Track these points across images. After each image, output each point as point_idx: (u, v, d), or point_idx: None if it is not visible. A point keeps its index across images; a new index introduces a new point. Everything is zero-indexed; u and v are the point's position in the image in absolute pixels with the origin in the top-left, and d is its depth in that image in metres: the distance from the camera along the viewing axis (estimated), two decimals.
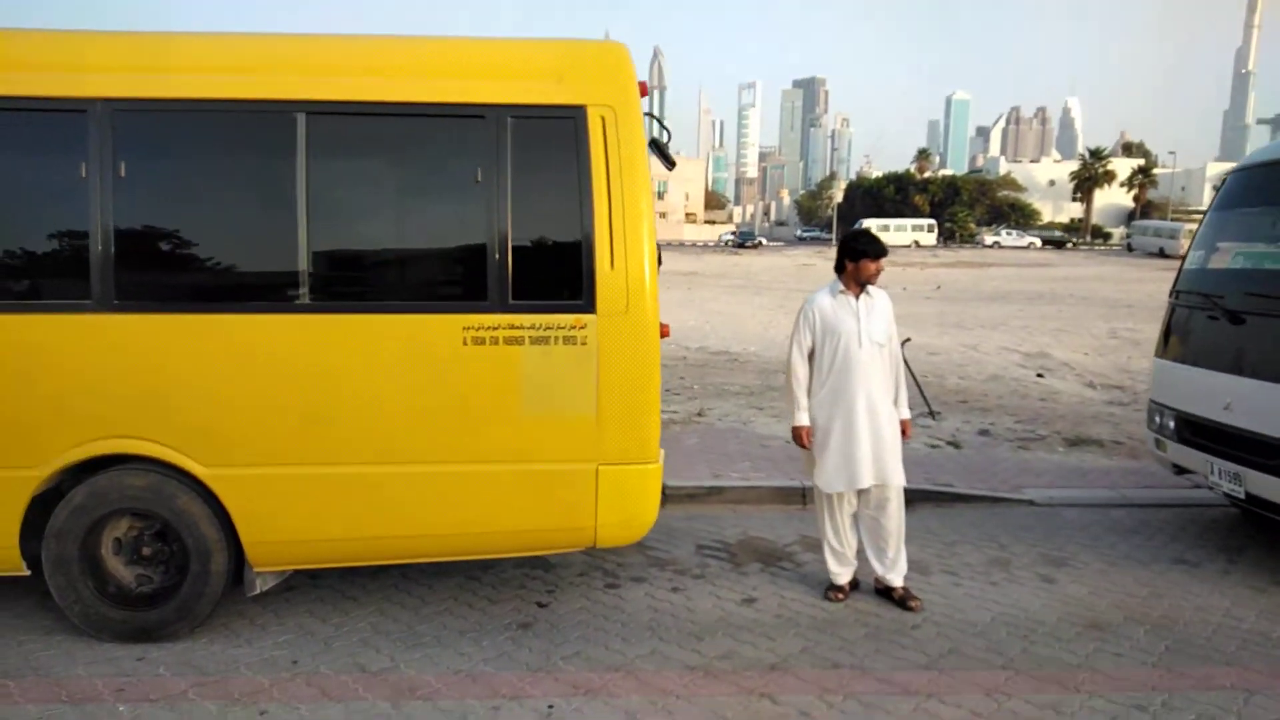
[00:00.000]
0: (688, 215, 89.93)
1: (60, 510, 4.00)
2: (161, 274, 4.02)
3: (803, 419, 4.70)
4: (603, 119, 4.02)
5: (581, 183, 4.01)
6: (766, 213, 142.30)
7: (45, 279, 3.99)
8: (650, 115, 4.76)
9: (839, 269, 4.70)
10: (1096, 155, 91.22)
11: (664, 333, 4.33)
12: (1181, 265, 6.17)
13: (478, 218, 4.02)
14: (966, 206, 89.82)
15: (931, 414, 9.15)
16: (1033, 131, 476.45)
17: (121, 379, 3.92)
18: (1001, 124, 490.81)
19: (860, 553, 4.85)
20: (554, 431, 4.10)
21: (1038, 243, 73.33)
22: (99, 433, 3.93)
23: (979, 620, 4.55)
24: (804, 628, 4.44)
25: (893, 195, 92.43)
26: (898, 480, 4.64)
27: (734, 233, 79.78)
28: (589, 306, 4.03)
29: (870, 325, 4.62)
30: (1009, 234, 76.38)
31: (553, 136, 4.05)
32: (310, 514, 4.06)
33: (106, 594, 4.09)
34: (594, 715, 3.61)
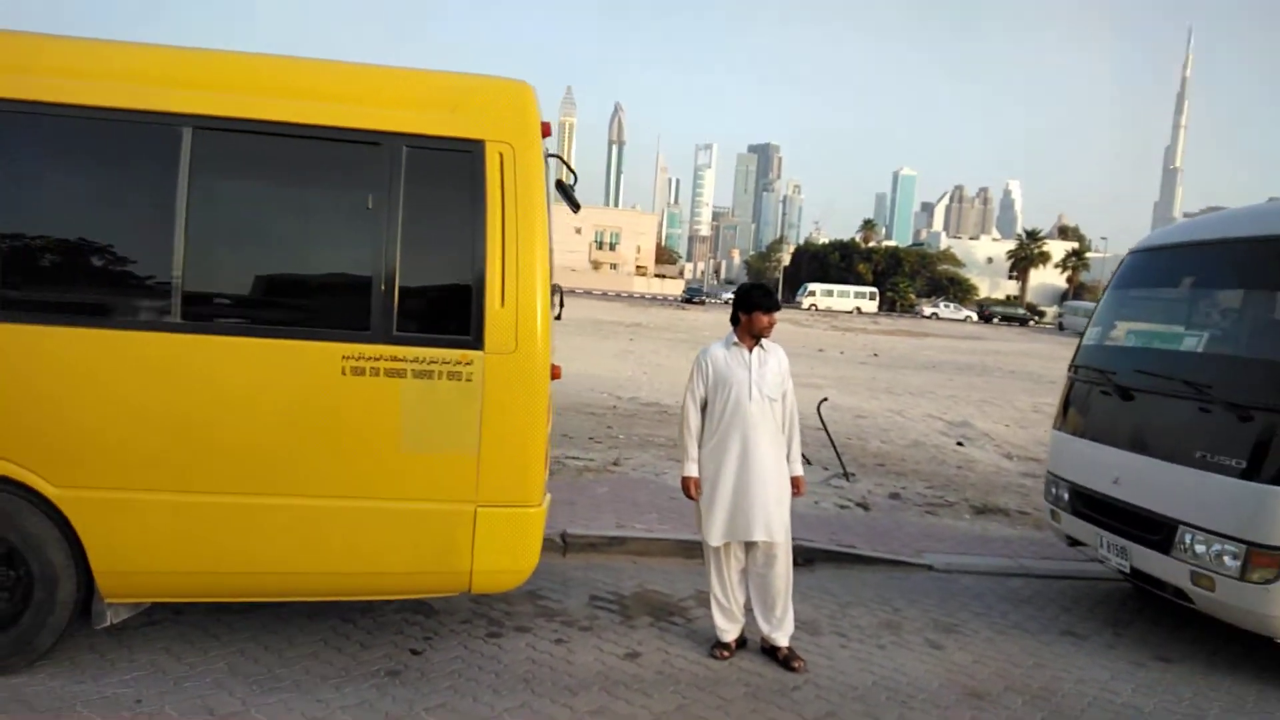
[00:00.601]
0: (638, 268, 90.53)
1: None
2: (20, 283, 3.83)
3: (691, 469, 4.66)
4: (501, 155, 3.99)
5: (475, 218, 3.96)
6: (717, 271, 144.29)
7: None
8: (557, 156, 4.76)
9: (734, 320, 4.72)
10: (1033, 236, 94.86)
11: (555, 374, 4.27)
12: (1080, 341, 6.33)
13: (365, 246, 3.94)
14: (908, 277, 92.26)
15: (846, 475, 9.19)
16: (974, 210, 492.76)
17: None
18: (945, 201, 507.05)
19: (749, 610, 4.78)
20: (433, 469, 3.98)
21: (974, 316, 75.37)
22: None
23: (860, 684, 4.49)
24: (683, 685, 4.34)
25: (838, 261, 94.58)
26: (783, 537, 4.60)
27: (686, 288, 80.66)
28: (476, 343, 3.96)
29: (762, 378, 4.62)
30: (947, 306, 78.49)
31: (449, 169, 4.00)
32: (168, 544, 3.86)
33: None
34: None
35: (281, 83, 4.01)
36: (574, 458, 8.98)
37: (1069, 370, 6.26)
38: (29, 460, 3.75)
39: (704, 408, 4.72)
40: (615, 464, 8.86)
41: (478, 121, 4.02)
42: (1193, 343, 5.53)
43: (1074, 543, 5.94)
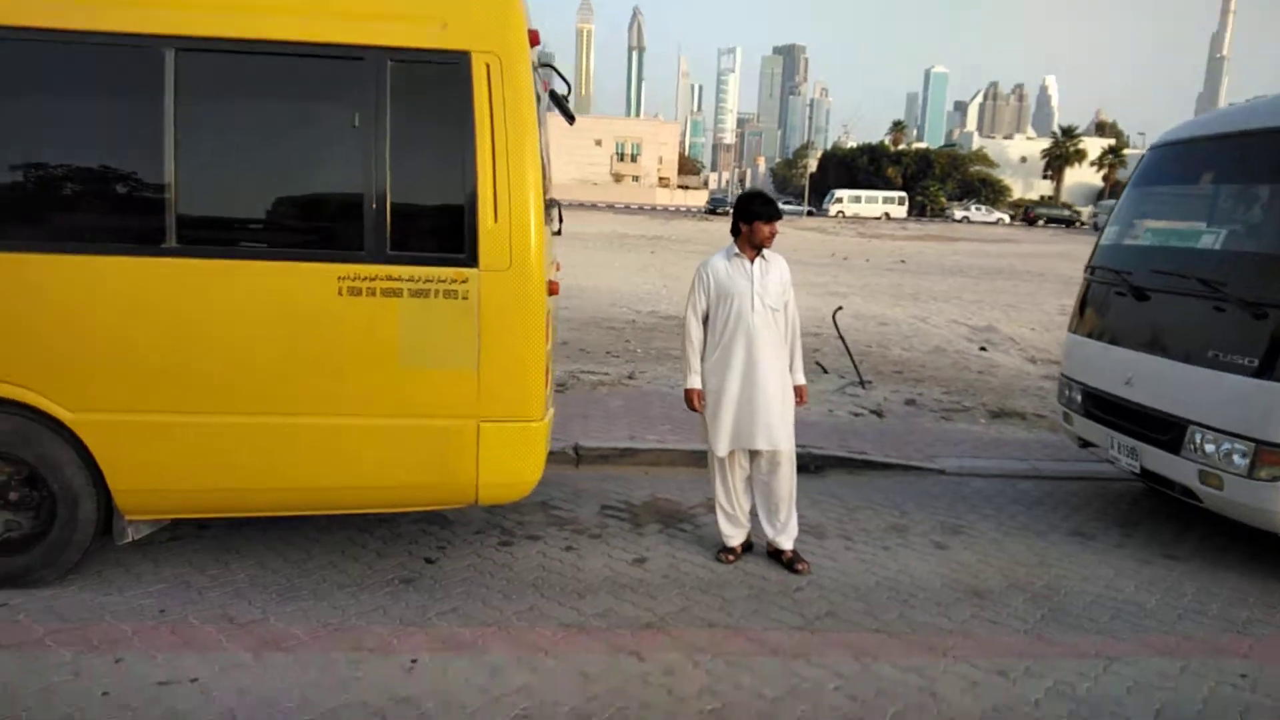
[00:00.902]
0: (661, 179, 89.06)
1: None
2: (22, 212, 3.87)
3: (694, 382, 4.68)
4: (488, 67, 3.91)
5: (464, 132, 3.91)
6: (742, 180, 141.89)
7: None
8: (549, 66, 4.67)
9: (734, 232, 4.66)
10: (1068, 134, 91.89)
11: (553, 290, 4.27)
12: (1098, 240, 6.19)
13: (355, 165, 3.91)
14: (939, 180, 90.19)
15: (862, 383, 9.18)
16: (1009, 108, 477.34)
17: None
18: (979, 99, 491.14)
19: (755, 515, 4.87)
20: (434, 387, 4.03)
21: (1005, 219, 73.73)
22: None
23: (863, 584, 4.58)
24: (688, 588, 4.45)
25: (866, 166, 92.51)
26: (787, 445, 4.65)
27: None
28: (471, 261, 3.95)
29: (765, 289, 4.59)
30: (978, 209, 76.75)
31: (435, 83, 3.93)
32: (180, 463, 3.97)
33: None
34: (457, 670, 3.59)
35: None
36: (590, 372, 9.04)
37: (1085, 272, 6.15)
38: (43, 386, 3.85)
39: (706, 320, 4.70)
40: (630, 377, 8.91)
41: (463, 32, 3.92)
42: (1210, 240, 5.38)
43: (1085, 444, 5.94)
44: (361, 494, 4.18)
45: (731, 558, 4.78)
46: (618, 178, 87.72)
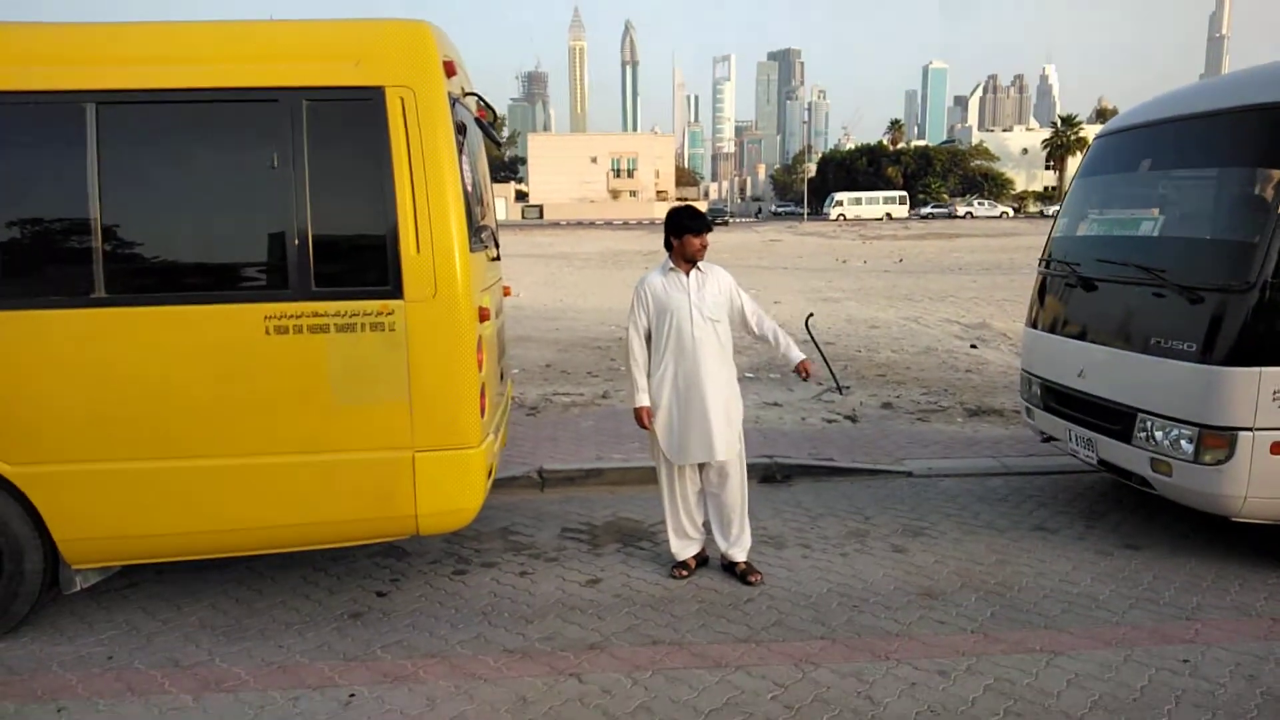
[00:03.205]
0: (659, 193, 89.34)
1: None
2: None
3: (642, 399, 4.69)
4: (402, 100, 3.96)
5: (382, 165, 3.96)
6: (742, 189, 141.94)
7: None
8: (474, 95, 4.72)
9: (667, 246, 4.68)
10: (1068, 122, 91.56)
11: (483, 316, 4.30)
12: (1050, 233, 6.18)
13: (276, 204, 3.96)
14: (940, 177, 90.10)
15: (839, 389, 9.17)
16: (1010, 100, 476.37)
17: None
18: (979, 93, 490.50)
19: (710, 528, 4.87)
20: (367, 420, 4.07)
21: (1009, 212, 73.52)
22: None
23: (814, 591, 4.58)
24: (638, 606, 4.46)
25: (865, 167, 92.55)
26: (729, 456, 4.65)
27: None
28: (396, 292, 3.99)
29: (701, 300, 4.60)
30: (980, 204, 76.59)
31: (351, 119, 3.99)
32: (119, 510, 4.02)
33: None
34: (395, 702, 3.61)
35: (177, 49, 4.01)
36: (564, 393, 9.08)
37: (1039, 264, 6.15)
38: None
39: (650, 337, 4.72)
40: (604, 396, 8.94)
41: (376, 68, 3.99)
42: (1149, 228, 5.37)
43: (1047, 438, 5.91)
44: (303, 531, 4.21)
45: (684, 573, 4.78)
46: (615, 194, 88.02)
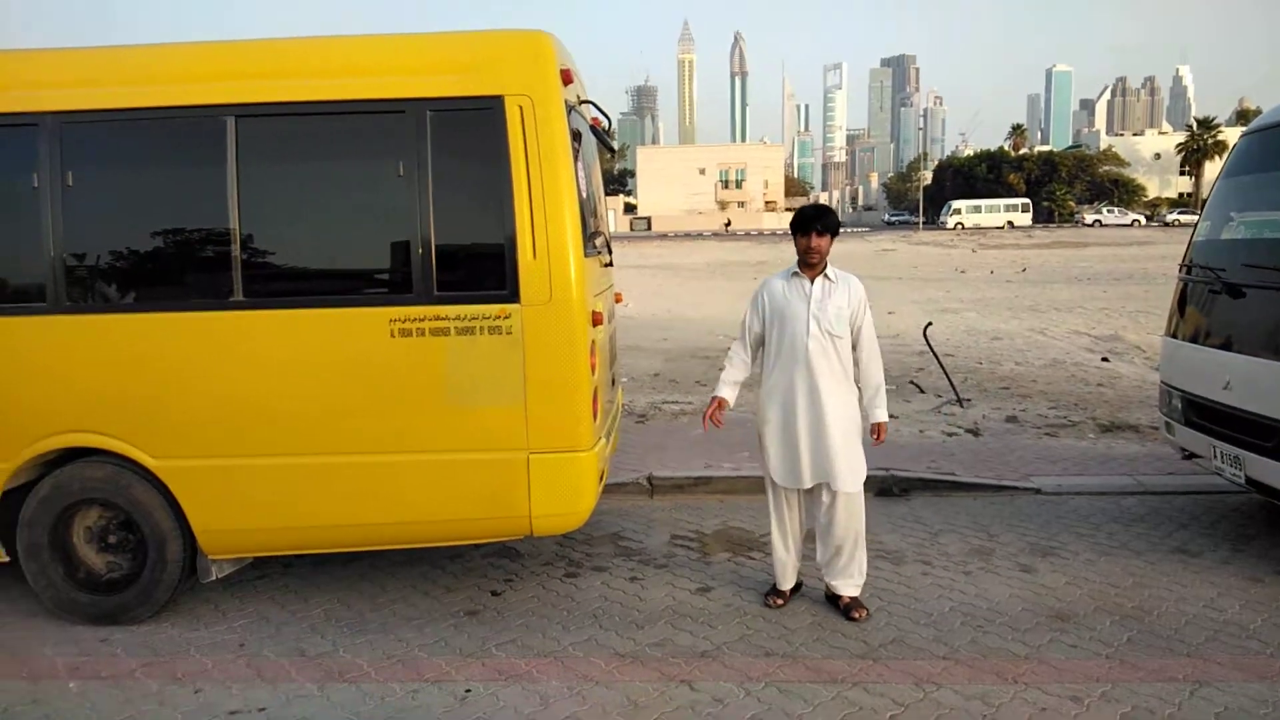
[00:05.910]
0: (767, 204, 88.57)
1: (30, 501, 4.27)
2: (108, 278, 4.23)
3: (721, 391, 4.51)
4: (520, 108, 4.04)
5: (501, 173, 4.04)
6: (854, 198, 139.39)
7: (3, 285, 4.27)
8: (590, 103, 4.77)
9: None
10: (1205, 125, 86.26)
11: (596, 320, 4.33)
12: (1191, 237, 5.80)
13: (402, 212, 4.10)
14: (1065, 183, 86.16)
15: (960, 401, 8.84)
16: (1141, 103, 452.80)
17: (73, 376, 4.16)
18: (1106, 96, 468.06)
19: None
20: (483, 421, 4.14)
21: (1141, 220, 69.66)
22: (55, 428, 4.18)
23: (935, 610, 4.40)
24: (750, 616, 4.38)
25: (985, 174, 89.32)
26: (845, 486, 4.27)
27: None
28: (513, 297, 4.07)
29: (822, 310, 4.23)
30: (1110, 211, 72.85)
31: (472, 128, 4.09)
32: (254, 503, 4.22)
33: (75, 579, 4.34)
34: (509, 699, 3.66)
35: (310, 64, 4.21)
36: (672, 402, 9.06)
37: (1180, 271, 5.77)
38: (130, 436, 4.18)
39: (762, 344, 4.48)
40: None
41: (495, 78, 4.08)
42: None
43: (1189, 455, 5.53)
44: (420, 529, 4.32)
45: (780, 601, 4.48)
46: (723, 205, 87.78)
